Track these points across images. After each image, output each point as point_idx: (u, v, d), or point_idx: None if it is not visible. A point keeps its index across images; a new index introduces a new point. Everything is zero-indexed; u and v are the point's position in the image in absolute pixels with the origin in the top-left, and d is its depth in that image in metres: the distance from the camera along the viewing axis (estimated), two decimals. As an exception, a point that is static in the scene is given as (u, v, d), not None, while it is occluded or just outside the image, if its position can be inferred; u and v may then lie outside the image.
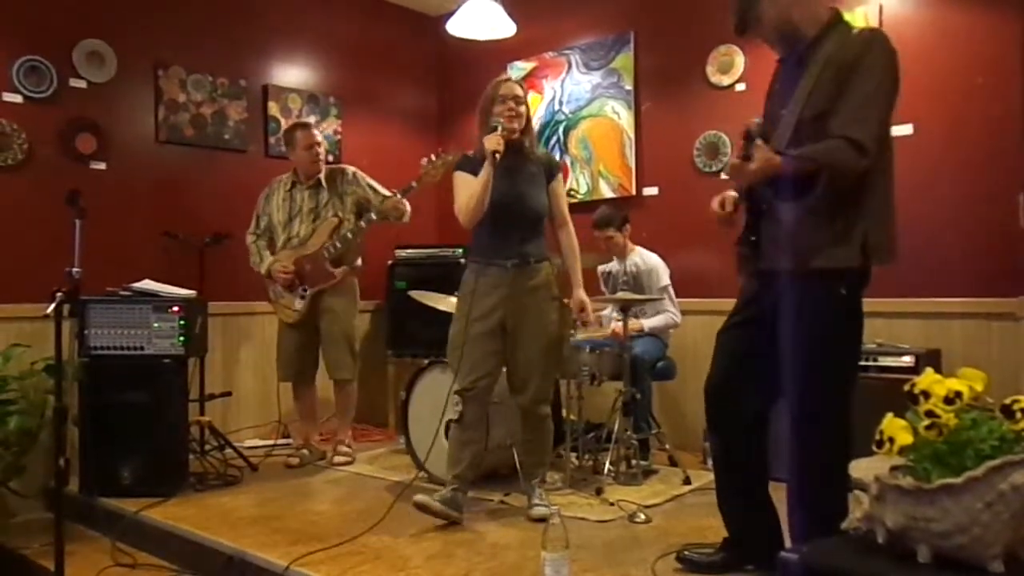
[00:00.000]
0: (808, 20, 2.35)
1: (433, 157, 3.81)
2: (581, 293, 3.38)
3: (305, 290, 4.19)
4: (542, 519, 2.95)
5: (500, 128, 3.18)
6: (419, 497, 3.14)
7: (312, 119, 5.22)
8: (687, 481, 3.73)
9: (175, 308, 3.76)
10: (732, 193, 2.49)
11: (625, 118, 5.03)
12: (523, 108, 3.29)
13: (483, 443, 3.38)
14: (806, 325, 2.23)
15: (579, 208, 5.13)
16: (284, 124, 5.14)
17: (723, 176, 2.39)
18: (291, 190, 4.31)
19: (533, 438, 3.37)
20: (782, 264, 2.28)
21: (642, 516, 3.21)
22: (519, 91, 3.32)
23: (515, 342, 3.24)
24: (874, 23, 3.95)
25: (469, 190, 3.20)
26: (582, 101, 5.26)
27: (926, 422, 1.46)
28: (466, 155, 3.36)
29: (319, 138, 4.32)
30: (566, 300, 3.38)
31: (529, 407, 3.29)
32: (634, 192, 4.97)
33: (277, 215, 4.31)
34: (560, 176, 3.45)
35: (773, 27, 2.38)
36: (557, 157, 5.14)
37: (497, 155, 3.11)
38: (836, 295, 2.26)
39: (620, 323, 3.88)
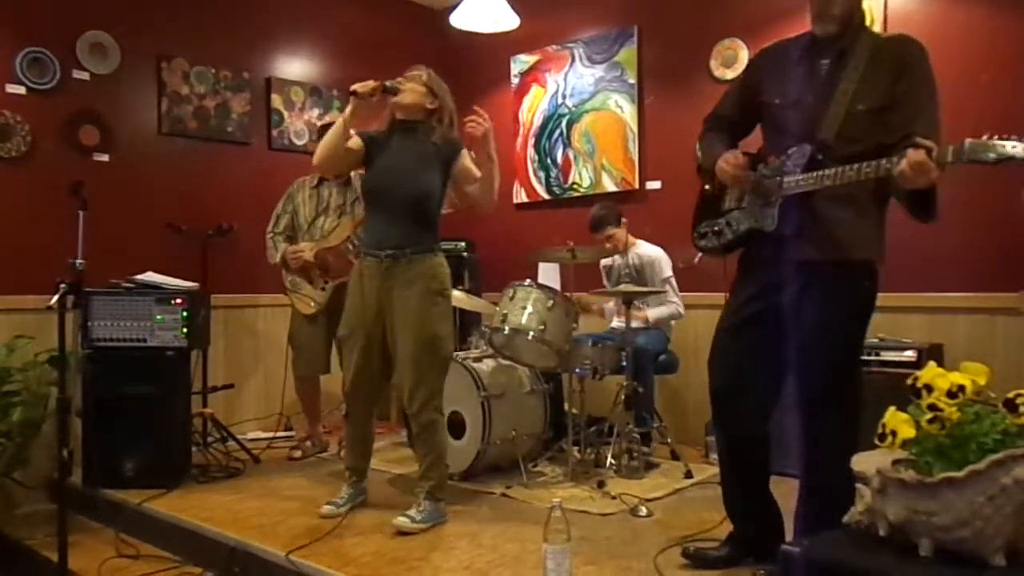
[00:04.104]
0: (854, 10, 2.36)
1: None
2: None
3: (327, 282, 4.17)
4: (398, 530, 2.94)
5: (387, 87, 3.03)
6: (324, 509, 3.19)
7: (315, 112, 5.23)
8: (689, 475, 3.73)
9: (178, 300, 3.76)
10: (738, 152, 2.51)
11: (628, 112, 5.02)
12: (419, 88, 3.09)
13: (371, 437, 3.34)
14: (838, 317, 2.28)
15: (582, 202, 5.16)
16: (287, 117, 5.16)
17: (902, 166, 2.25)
18: (317, 187, 4.27)
19: (417, 446, 3.17)
20: (826, 255, 2.30)
21: (644, 510, 3.21)
22: (417, 71, 3.14)
23: (394, 342, 3.06)
24: (879, 18, 3.94)
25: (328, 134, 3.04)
26: (585, 95, 5.25)
27: (928, 416, 1.46)
28: (371, 132, 3.16)
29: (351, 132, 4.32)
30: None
31: (408, 412, 3.11)
32: (637, 186, 4.97)
33: (303, 211, 4.25)
34: (463, 153, 3.11)
35: (846, 2, 2.34)
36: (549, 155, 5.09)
37: (355, 96, 2.95)
38: (862, 287, 2.32)
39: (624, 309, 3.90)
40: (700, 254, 2.66)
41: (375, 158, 3.10)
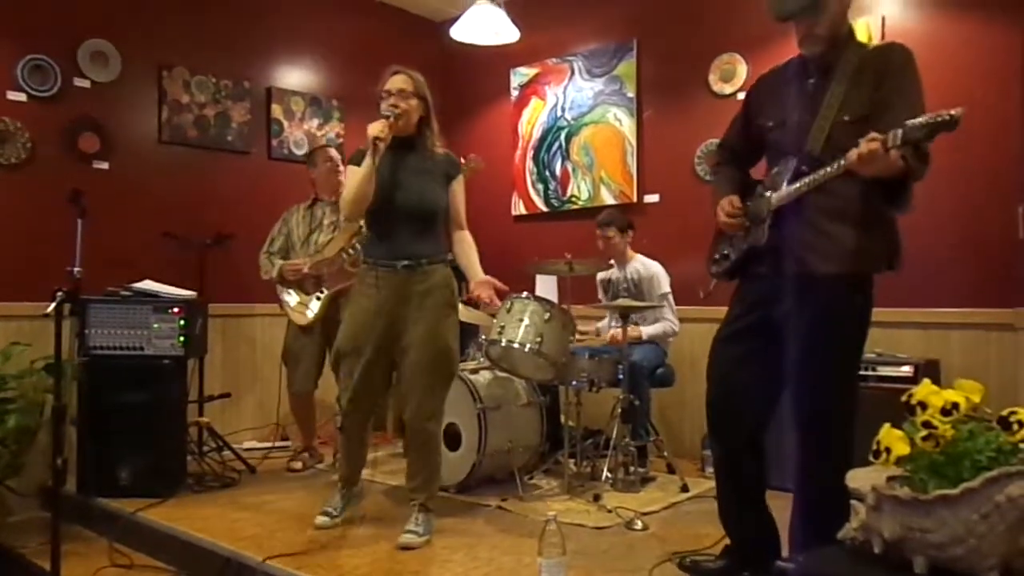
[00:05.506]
0: (839, 27, 2.38)
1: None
2: (481, 275, 3.09)
3: (322, 292, 4.18)
4: (406, 547, 2.92)
5: (388, 116, 2.95)
6: (319, 520, 3.18)
7: (315, 122, 5.25)
8: (685, 488, 3.73)
9: (175, 309, 3.76)
10: (734, 197, 2.54)
11: (627, 125, 5.04)
12: (412, 102, 3.03)
13: (367, 448, 3.26)
14: (827, 330, 2.27)
15: (580, 215, 5.18)
16: (287, 126, 5.18)
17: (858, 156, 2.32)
18: (311, 207, 4.33)
19: (414, 457, 3.12)
20: (814, 268, 2.30)
21: (639, 523, 3.20)
22: (403, 84, 3.04)
23: (403, 351, 3.05)
24: (876, 34, 3.97)
25: (351, 181, 3.01)
26: (584, 108, 5.27)
27: (923, 433, 1.47)
28: (359, 149, 3.08)
29: (334, 153, 4.38)
30: (475, 294, 3.07)
31: (411, 422, 3.07)
32: (635, 199, 4.98)
33: (297, 231, 4.30)
34: (460, 178, 3.17)
35: (830, 22, 2.35)
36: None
37: (379, 143, 2.88)
38: (854, 300, 2.31)
39: (619, 329, 3.89)
40: (714, 281, 2.68)
41: (381, 176, 3.02)
